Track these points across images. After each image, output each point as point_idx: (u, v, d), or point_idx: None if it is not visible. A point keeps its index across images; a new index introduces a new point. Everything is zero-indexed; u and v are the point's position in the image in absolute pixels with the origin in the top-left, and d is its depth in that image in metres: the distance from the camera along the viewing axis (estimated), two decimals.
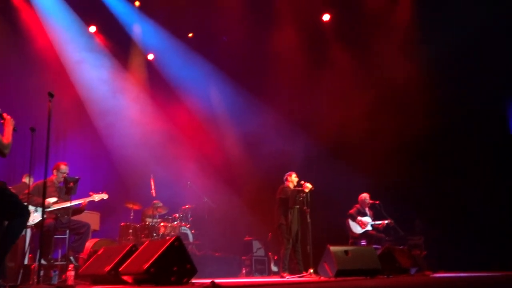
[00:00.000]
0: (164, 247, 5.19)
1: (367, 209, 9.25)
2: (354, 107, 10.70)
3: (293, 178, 8.28)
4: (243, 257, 9.73)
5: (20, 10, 9.61)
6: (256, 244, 9.98)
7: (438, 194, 10.56)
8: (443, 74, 10.43)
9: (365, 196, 9.28)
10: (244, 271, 9.53)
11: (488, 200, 10.57)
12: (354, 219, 9.07)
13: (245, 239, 10.11)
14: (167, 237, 8.49)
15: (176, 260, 5.22)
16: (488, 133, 10.87)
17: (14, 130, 4.63)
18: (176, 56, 11.47)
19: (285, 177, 8.38)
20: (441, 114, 10.38)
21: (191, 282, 5.25)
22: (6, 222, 4.45)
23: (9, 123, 4.61)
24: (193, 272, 5.30)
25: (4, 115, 4.66)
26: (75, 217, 6.98)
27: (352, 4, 10.99)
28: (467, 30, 9.87)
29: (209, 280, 5.27)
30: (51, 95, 5.18)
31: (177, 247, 5.29)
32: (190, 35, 11.85)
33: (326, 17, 11.55)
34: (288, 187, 8.22)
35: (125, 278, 5.38)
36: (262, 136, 11.12)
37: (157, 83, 11.45)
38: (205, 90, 11.78)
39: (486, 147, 10.88)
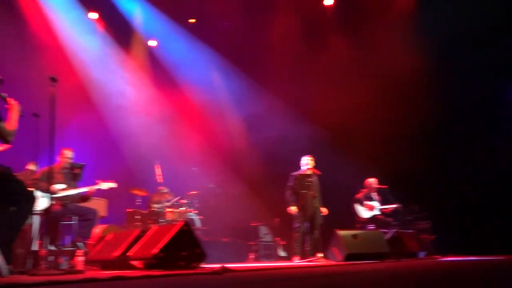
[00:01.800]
0: (173, 232, 5.15)
1: (374, 194, 9.19)
2: (356, 95, 10.60)
3: (303, 162, 8.25)
4: (250, 243, 9.71)
5: None
6: (263, 229, 9.97)
7: (443, 180, 10.56)
8: (445, 62, 10.36)
9: (372, 180, 9.21)
10: (251, 257, 9.52)
11: (493, 185, 10.58)
12: (361, 204, 9.01)
13: (251, 224, 10.08)
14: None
15: (185, 245, 5.19)
16: (494, 120, 10.85)
17: (21, 115, 4.55)
18: (178, 42, 11.38)
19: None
20: (444, 102, 10.34)
21: (200, 266, 5.21)
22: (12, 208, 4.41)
23: (15, 109, 4.51)
24: (202, 257, 5.27)
25: (9, 100, 4.56)
26: (82, 204, 6.93)
27: None
28: (469, 18, 9.80)
29: (218, 265, 5.24)
30: (53, 79, 5.10)
31: (186, 232, 5.26)
32: (192, 21, 11.73)
33: (329, 1, 11.41)
34: (297, 173, 8.20)
35: (134, 263, 5.36)
36: (265, 122, 11.07)
37: (160, 69, 11.37)
38: (208, 75, 11.70)
39: (491, 134, 10.87)
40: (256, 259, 9.47)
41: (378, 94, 10.54)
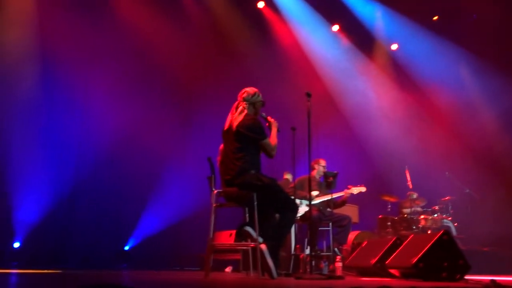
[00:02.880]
0: (432, 241, 4.95)
1: None
2: None
3: None
4: None
5: (270, 20, 10.48)
6: None
7: None
8: None
9: None
10: None
11: None
12: None
13: None
14: (429, 231, 8.16)
15: (446, 255, 4.92)
16: None
17: (278, 131, 4.99)
18: (420, 43, 10.95)
19: None
20: None
21: (464, 279, 4.89)
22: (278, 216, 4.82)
23: (274, 126, 4.98)
24: (466, 269, 4.94)
25: (269, 118, 5.05)
26: (336, 210, 7.22)
27: None
28: None
29: (483, 277, 4.86)
30: (309, 95, 5.42)
31: (446, 242, 4.99)
32: (435, 18, 11.18)
33: None
34: None
35: (391, 271, 5.32)
36: None
37: (403, 73, 11.11)
38: (455, 73, 10.96)
39: None
40: None
41: None
